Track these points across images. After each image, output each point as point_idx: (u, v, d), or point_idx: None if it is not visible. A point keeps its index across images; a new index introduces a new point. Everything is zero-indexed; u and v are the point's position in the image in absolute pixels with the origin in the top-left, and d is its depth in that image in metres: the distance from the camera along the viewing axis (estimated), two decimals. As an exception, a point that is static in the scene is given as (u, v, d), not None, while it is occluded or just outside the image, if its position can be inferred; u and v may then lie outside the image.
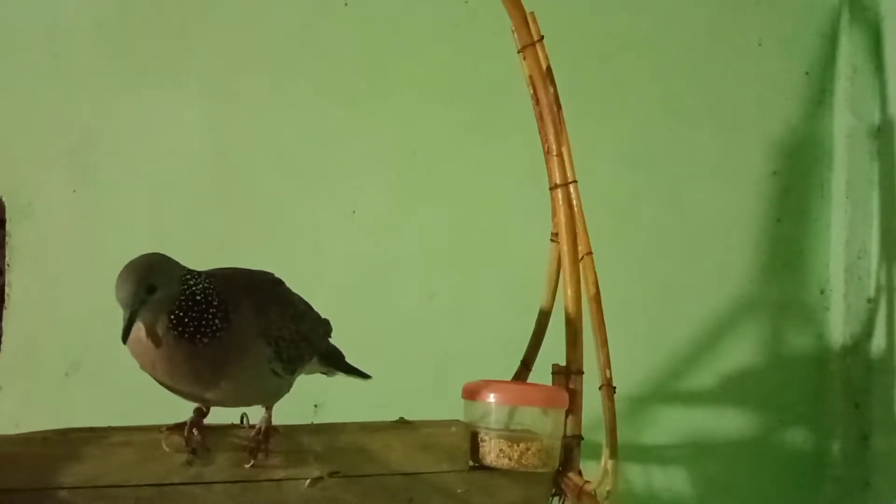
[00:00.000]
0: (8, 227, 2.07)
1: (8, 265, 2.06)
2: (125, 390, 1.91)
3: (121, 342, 1.24)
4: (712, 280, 2.18)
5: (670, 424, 2.15)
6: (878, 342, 2.08)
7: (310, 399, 2.08)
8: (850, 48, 2.16)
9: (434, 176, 2.16)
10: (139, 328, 1.25)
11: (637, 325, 2.15)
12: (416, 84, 2.17)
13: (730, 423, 2.17)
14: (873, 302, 2.11)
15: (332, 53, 2.15)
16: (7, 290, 2.06)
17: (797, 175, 2.20)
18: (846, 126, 2.15)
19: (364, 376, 1.64)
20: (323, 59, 2.15)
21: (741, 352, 2.17)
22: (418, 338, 2.13)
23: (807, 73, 2.21)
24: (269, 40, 2.15)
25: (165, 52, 2.13)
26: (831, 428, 2.14)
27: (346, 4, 2.15)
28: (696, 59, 2.22)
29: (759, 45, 2.21)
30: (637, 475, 2.13)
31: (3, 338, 2.05)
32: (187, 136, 2.12)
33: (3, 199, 2.07)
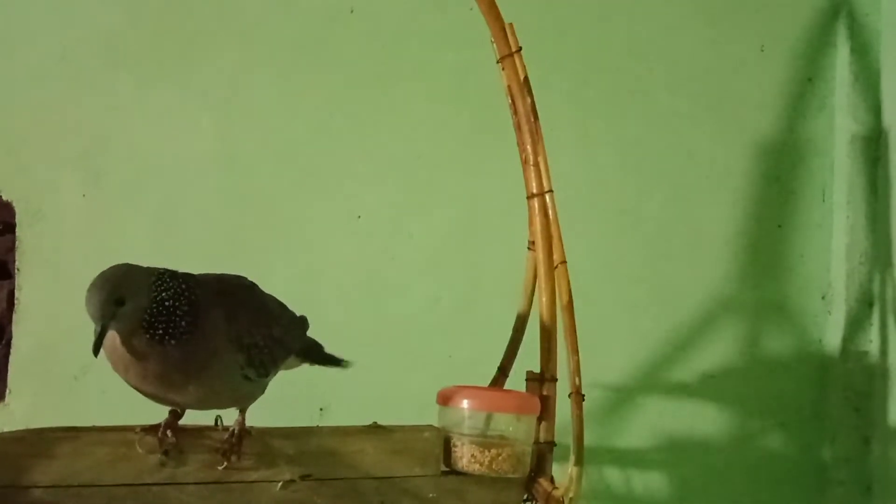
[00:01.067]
0: (18, 231, 2.10)
1: (18, 269, 2.10)
2: (134, 394, 1.95)
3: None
4: (713, 284, 2.19)
5: (670, 429, 2.16)
6: (879, 346, 2.08)
7: (316, 402, 2.10)
8: (851, 55, 2.16)
9: (439, 181, 2.19)
10: (112, 336, 1.28)
11: (638, 328, 2.16)
12: (421, 90, 2.19)
13: (730, 427, 2.17)
14: (874, 307, 2.10)
15: (339, 60, 2.18)
16: (17, 293, 2.10)
17: (798, 181, 2.20)
18: (848, 132, 2.14)
19: (343, 365, 1.65)
20: (329, 66, 2.18)
21: (742, 356, 2.17)
22: (423, 341, 2.15)
23: (809, 80, 2.21)
24: (277, 46, 2.18)
25: (175, 57, 2.16)
26: (832, 432, 2.14)
27: (352, 11, 2.18)
28: (698, 65, 2.22)
29: (762, 50, 2.21)
30: (636, 480, 2.14)
31: (12, 341, 2.09)
32: (196, 141, 2.16)
33: (13, 203, 2.11)
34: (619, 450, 2.14)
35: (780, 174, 2.20)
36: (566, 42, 2.18)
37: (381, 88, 2.19)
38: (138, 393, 1.36)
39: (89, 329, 2.06)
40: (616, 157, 2.19)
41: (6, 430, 2.01)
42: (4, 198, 2.12)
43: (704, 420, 2.17)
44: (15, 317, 2.10)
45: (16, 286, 2.11)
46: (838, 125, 2.18)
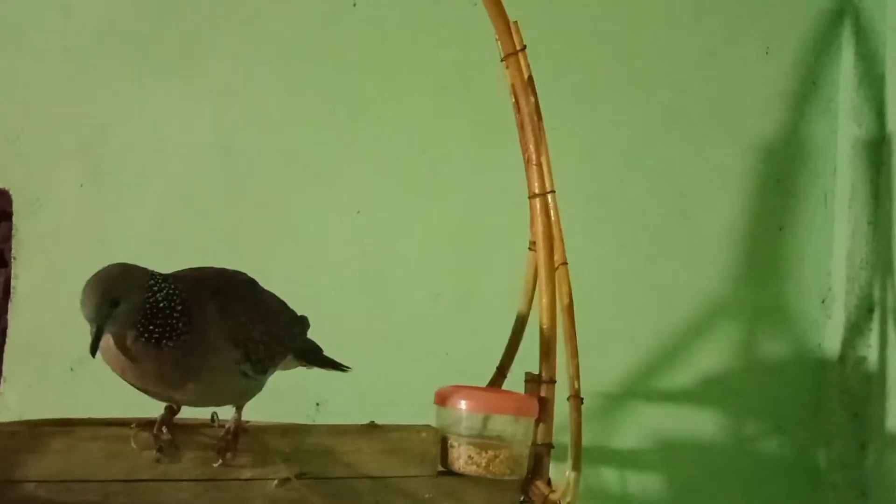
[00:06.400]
0: (15, 220, 2.09)
1: (14, 258, 2.09)
2: (129, 386, 1.95)
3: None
4: (714, 286, 2.18)
5: (669, 431, 2.15)
6: (878, 352, 2.08)
7: (312, 398, 2.10)
8: (855, 59, 2.15)
9: (440, 177, 2.18)
10: (107, 338, 1.28)
11: (638, 329, 2.15)
12: (423, 85, 2.18)
13: (728, 430, 2.17)
14: (873, 312, 2.10)
15: (341, 54, 2.17)
16: (13, 283, 2.09)
17: (800, 184, 2.20)
18: (850, 136, 2.14)
19: (342, 369, 1.65)
20: (331, 60, 2.17)
21: (741, 359, 2.17)
22: (421, 338, 2.14)
23: (813, 83, 2.20)
24: (279, 40, 2.17)
25: (176, 50, 2.15)
26: (829, 436, 2.14)
27: (354, 5, 2.17)
28: (703, 66, 2.21)
29: (767, 53, 2.21)
30: (631, 480, 2.14)
31: (8, 331, 2.09)
32: (196, 133, 2.15)
33: (11, 192, 2.10)
34: (615, 450, 2.14)
35: (782, 177, 2.20)
36: (568, 41, 2.17)
37: (383, 83, 2.18)
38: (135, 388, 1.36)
39: (85, 320, 2.07)
40: (618, 157, 2.19)
41: (1, 420, 2.03)
42: (2, 186, 2.10)
43: (701, 422, 2.17)
44: (11, 306, 2.09)
45: (12, 275, 2.10)
46: (841, 129, 2.18)
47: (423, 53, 2.19)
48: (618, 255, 2.18)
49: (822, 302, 2.18)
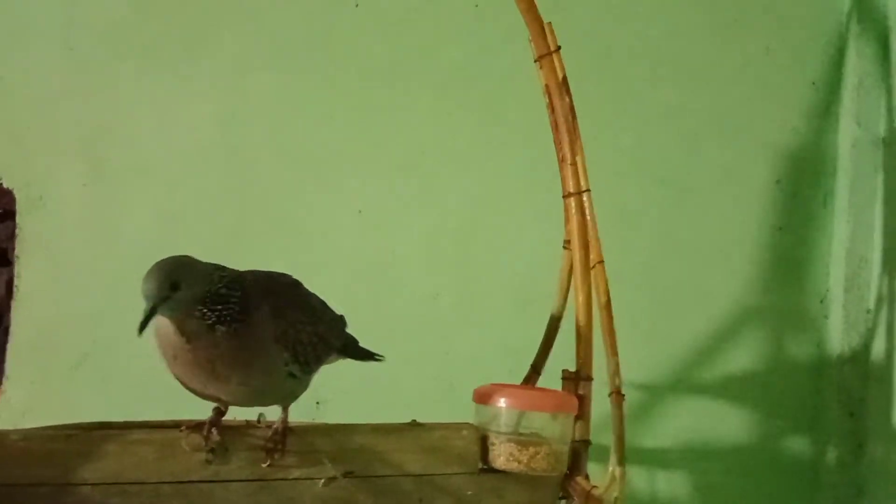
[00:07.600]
0: (18, 218, 2.08)
1: (17, 257, 2.08)
2: (133, 383, 1.94)
3: (135, 334, 1.25)
4: (713, 287, 2.19)
5: (668, 430, 2.16)
6: (876, 352, 2.09)
7: (312, 396, 2.09)
8: (857, 59, 2.16)
9: (441, 177, 2.18)
10: (165, 321, 1.28)
11: (639, 331, 2.14)
12: (425, 85, 2.18)
13: (727, 429, 2.18)
14: (872, 312, 2.12)
15: (343, 53, 2.16)
16: (16, 281, 2.07)
17: (801, 184, 2.21)
18: (851, 137, 2.15)
19: (377, 359, 1.67)
20: (333, 59, 2.17)
21: (740, 359, 2.18)
22: (421, 338, 2.14)
23: (814, 83, 2.22)
24: (281, 39, 2.16)
25: (178, 48, 2.15)
26: (827, 436, 2.15)
27: (356, 5, 2.17)
28: (702, 67, 2.22)
29: (767, 53, 2.22)
30: (636, 478, 2.15)
31: (11, 329, 2.07)
32: (198, 132, 2.14)
33: (14, 190, 2.08)
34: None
35: (782, 177, 2.21)
36: (570, 43, 2.17)
37: (384, 82, 2.18)
38: (159, 381, 1.36)
39: (89, 318, 2.06)
40: (617, 157, 2.19)
41: (3, 419, 2.01)
42: (5, 185, 2.09)
43: (697, 421, 2.18)
44: (14, 304, 2.08)
45: (15, 274, 2.08)
46: (842, 129, 2.19)
47: (424, 53, 2.19)
48: (615, 256, 2.17)
49: (821, 302, 2.20)
